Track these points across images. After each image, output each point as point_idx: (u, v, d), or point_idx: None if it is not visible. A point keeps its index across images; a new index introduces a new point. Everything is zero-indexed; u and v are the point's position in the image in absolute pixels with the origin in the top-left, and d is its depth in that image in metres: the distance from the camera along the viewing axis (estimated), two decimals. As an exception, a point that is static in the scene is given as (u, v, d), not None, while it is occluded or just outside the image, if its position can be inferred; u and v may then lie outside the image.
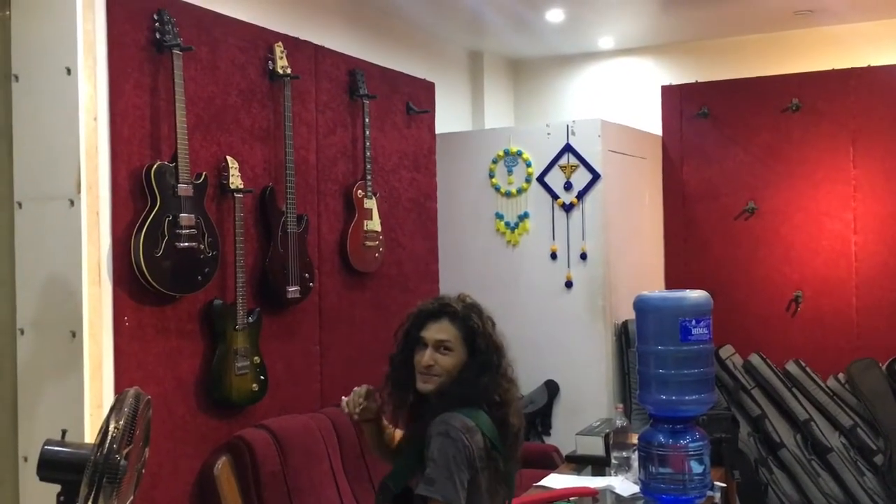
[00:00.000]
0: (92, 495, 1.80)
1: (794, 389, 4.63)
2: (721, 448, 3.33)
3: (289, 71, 3.41)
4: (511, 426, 2.25)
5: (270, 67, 3.40)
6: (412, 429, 2.30)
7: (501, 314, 4.82)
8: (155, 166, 2.85)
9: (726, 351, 4.78)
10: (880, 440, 4.44)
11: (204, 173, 3.03)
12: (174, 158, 2.91)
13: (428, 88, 4.49)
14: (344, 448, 3.43)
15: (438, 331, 2.28)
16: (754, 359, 4.74)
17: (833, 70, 4.88)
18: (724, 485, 3.15)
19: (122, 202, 2.82)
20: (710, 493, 2.96)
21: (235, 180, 3.16)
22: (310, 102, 3.65)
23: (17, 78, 2.81)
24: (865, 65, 4.82)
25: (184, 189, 2.91)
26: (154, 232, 2.83)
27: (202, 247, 2.98)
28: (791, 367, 4.68)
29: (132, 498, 2.00)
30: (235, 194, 3.15)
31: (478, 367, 2.26)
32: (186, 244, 2.91)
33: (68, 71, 2.71)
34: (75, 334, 2.69)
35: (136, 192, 2.85)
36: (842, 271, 4.86)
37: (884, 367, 4.58)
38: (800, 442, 4.55)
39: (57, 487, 1.87)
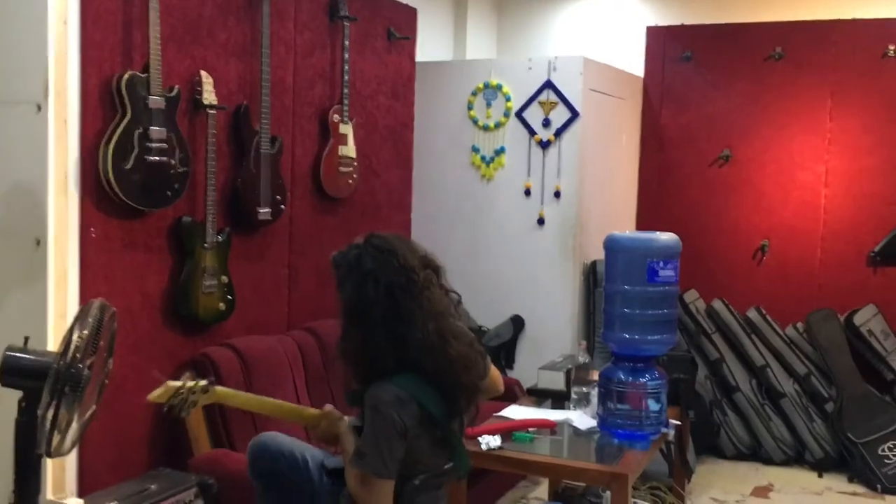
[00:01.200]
0: (54, 403, 1.80)
1: (752, 336, 4.74)
2: (678, 388, 3.42)
3: (268, -14, 3.32)
4: (456, 386, 2.12)
5: (249, -19, 3.31)
6: None
7: (472, 247, 4.89)
8: (126, 76, 2.78)
9: (691, 295, 4.86)
10: (833, 389, 4.57)
11: (177, 87, 2.96)
12: (146, 69, 2.83)
13: (410, 14, 4.39)
14: (308, 371, 3.45)
15: None
16: (717, 304, 4.82)
17: (818, 21, 4.85)
18: (678, 423, 3.24)
19: (91, 111, 2.75)
20: (664, 430, 3.05)
21: (209, 96, 3.09)
22: (288, 21, 3.56)
23: (-17, -25, 2.70)
24: (851, 17, 4.80)
25: (155, 101, 2.84)
26: (124, 144, 2.77)
27: (173, 162, 2.93)
28: (752, 313, 4.77)
29: (94, 408, 2.01)
30: (209, 110, 3.09)
31: (344, 334, 2.14)
32: (157, 158, 2.86)
33: (38, -30, 2.61)
34: (40, 243, 2.65)
35: (106, 102, 2.78)
36: (809, 223, 4.92)
37: (842, 319, 4.69)
38: (755, 387, 4.68)
39: (19, 394, 1.87)
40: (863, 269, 4.82)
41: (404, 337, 2.08)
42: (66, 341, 1.84)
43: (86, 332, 1.86)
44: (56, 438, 1.83)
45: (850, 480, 4.39)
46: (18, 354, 1.89)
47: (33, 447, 1.83)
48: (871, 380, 4.61)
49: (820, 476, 4.46)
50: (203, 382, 2.17)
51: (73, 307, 2.69)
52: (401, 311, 2.07)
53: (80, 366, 1.82)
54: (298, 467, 2.33)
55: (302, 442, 2.46)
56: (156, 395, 2.13)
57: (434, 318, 2.10)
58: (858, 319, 4.64)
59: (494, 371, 2.40)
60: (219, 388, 2.23)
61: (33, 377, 1.84)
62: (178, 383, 2.13)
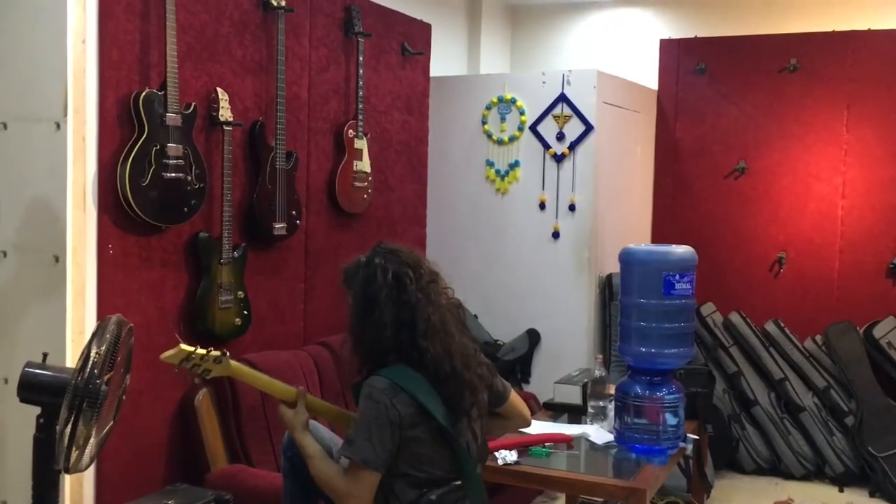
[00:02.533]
0: (72, 418, 1.81)
1: (771, 349, 4.70)
2: (696, 402, 3.39)
3: (283, 3, 3.34)
4: (454, 378, 2.13)
5: (264, -1, 3.34)
6: None
7: (487, 261, 4.89)
8: (143, 94, 2.80)
9: (707, 308, 4.83)
10: (852, 402, 4.52)
11: (193, 104, 2.99)
12: (163, 87, 2.86)
13: (424, 30, 4.42)
14: (325, 385, 3.45)
15: None
16: (734, 317, 4.79)
17: (833, 32, 4.84)
18: (696, 437, 3.21)
19: (109, 128, 2.78)
20: (682, 444, 3.03)
21: (225, 112, 3.11)
22: (303, 37, 3.59)
23: (3, -5, 2.74)
24: (866, 28, 4.78)
25: (172, 118, 2.86)
26: (141, 160, 2.80)
27: (189, 178, 2.95)
28: (770, 326, 4.74)
29: (112, 423, 2.02)
30: (225, 127, 3.11)
31: (351, 325, 2.22)
32: (173, 175, 2.88)
33: (57, -9, 2.65)
34: (59, 259, 2.68)
35: (124, 119, 2.81)
36: (827, 235, 4.89)
37: (861, 332, 4.64)
38: (773, 400, 4.63)
39: (37, 409, 1.88)
40: (882, 281, 4.77)
41: (408, 323, 2.14)
42: (84, 357, 1.86)
43: (103, 347, 1.88)
44: (74, 454, 1.84)
45: (872, 495, 4.33)
46: (37, 370, 1.91)
47: (51, 463, 1.84)
48: (891, 392, 4.56)
49: (841, 491, 4.41)
50: (216, 352, 2.18)
51: (91, 323, 2.71)
52: (409, 297, 2.15)
53: (98, 381, 1.83)
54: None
55: (339, 438, 2.46)
56: (167, 355, 2.15)
57: (438, 309, 2.18)
58: (878, 332, 4.60)
59: (518, 399, 2.40)
60: (233, 363, 2.23)
61: (51, 393, 1.85)
62: (190, 348, 2.14)
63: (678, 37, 5.25)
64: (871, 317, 4.68)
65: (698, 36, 5.18)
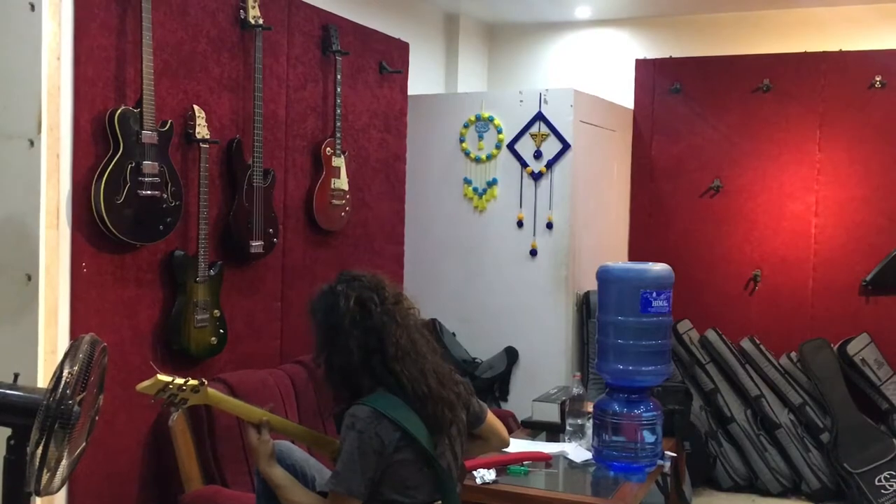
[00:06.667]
0: (43, 440, 1.78)
1: (747, 366, 4.73)
2: (673, 419, 3.41)
3: (261, 21, 3.34)
4: (431, 398, 2.13)
5: (242, 16, 3.33)
6: None
7: (465, 279, 4.88)
8: (119, 111, 2.78)
9: (684, 326, 4.86)
10: (827, 419, 4.56)
11: (169, 121, 2.97)
12: (139, 104, 2.84)
13: (402, 48, 4.43)
14: (301, 405, 3.43)
15: None
16: (710, 334, 4.82)
17: (806, 53, 4.92)
18: (674, 455, 3.22)
19: (84, 145, 2.75)
20: (660, 462, 3.03)
21: (202, 130, 3.10)
22: (281, 55, 3.59)
23: (-23, 11, 2.72)
24: (838, 49, 4.87)
25: (148, 136, 2.84)
26: (116, 178, 2.77)
27: (165, 196, 2.93)
28: (746, 344, 4.77)
29: (84, 444, 1.98)
30: (201, 144, 3.10)
31: (317, 355, 2.22)
32: (149, 192, 2.86)
33: (32, 7, 2.63)
34: (31, 278, 2.64)
35: (99, 136, 2.79)
36: (801, 252, 4.94)
37: (835, 349, 4.69)
38: (750, 417, 4.66)
39: (7, 431, 1.85)
40: (855, 298, 4.83)
41: (377, 349, 2.13)
42: (57, 377, 1.82)
43: (76, 367, 1.84)
44: (45, 476, 1.80)
45: (848, 511, 4.36)
46: (8, 391, 1.87)
47: (22, 485, 1.80)
48: (865, 409, 4.60)
49: (817, 507, 4.44)
50: (194, 381, 2.14)
51: (63, 342, 2.68)
52: (374, 322, 2.14)
53: (70, 402, 1.80)
54: (305, 484, 2.32)
55: (316, 461, 2.44)
56: (144, 385, 2.10)
57: (406, 331, 2.17)
58: (852, 349, 4.64)
59: (496, 419, 2.39)
60: (210, 391, 2.20)
61: (23, 414, 1.81)
62: (167, 378, 2.09)
63: (653, 57, 5.31)
64: (844, 334, 4.73)
65: (673, 56, 5.24)
